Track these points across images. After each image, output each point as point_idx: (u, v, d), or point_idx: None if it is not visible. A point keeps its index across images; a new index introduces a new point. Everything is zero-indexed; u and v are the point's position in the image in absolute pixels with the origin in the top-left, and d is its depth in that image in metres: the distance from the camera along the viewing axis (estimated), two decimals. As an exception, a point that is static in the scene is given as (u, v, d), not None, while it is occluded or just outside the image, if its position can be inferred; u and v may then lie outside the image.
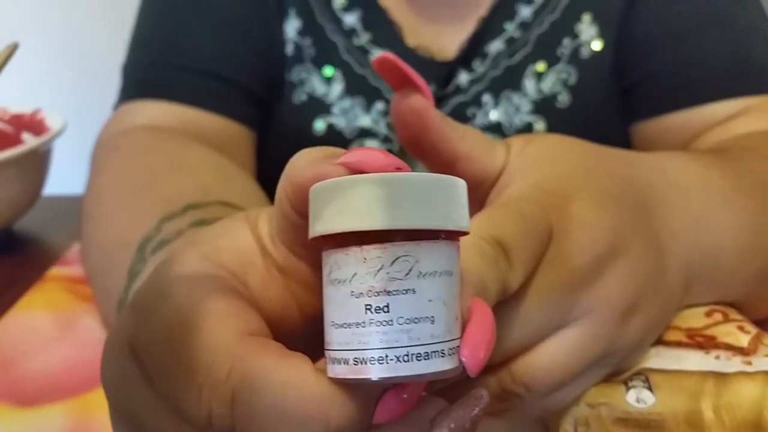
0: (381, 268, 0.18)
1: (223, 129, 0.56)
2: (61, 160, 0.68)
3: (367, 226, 0.18)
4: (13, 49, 0.62)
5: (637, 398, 0.29)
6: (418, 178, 0.19)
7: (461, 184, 0.20)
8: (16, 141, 0.61)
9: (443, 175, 0.19)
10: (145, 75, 0.57)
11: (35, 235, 0.63)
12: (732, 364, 0.30)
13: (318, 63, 0.60)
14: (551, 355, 0.27)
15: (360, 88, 0.59)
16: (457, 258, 0.20)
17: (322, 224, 0.19)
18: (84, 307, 0.49)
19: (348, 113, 0.59)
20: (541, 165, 0.29)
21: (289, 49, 0.60)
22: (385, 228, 0.18)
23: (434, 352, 0.19)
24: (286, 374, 0.19)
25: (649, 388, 0.29)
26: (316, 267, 0.23)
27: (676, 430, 0.28)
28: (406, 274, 0.18)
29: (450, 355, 0.19)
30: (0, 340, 0.46)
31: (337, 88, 0.59)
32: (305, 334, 0.24)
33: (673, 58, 0.55)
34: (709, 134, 0.52)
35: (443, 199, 0.19)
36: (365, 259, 0.18)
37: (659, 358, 0.30)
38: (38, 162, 0.60)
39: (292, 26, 0.60)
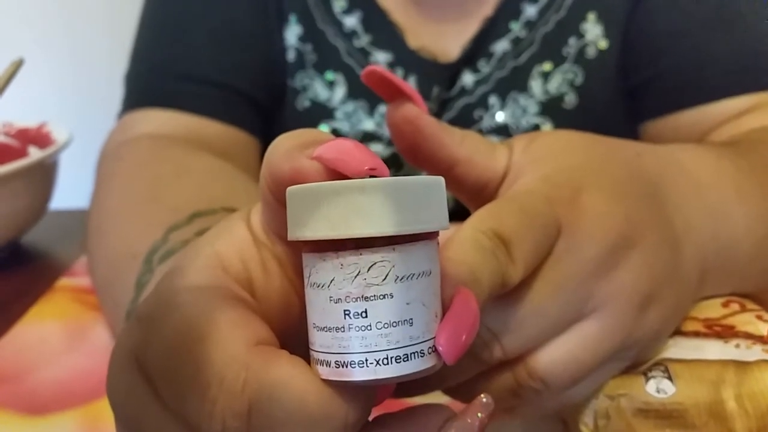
0: (358, 274, 0.19)
1: (227, 136, 0.56)
2: (68, 175, 0.68)
3: (341, 235, 0.18)
4: (18, 65, 0.63)
5: (657, 388, 0.28)
6: (391, 184, 0.19)
7: (438, 183, 0.20)
8: (22, 155, 0.61)
9: (419, 177, 0.19)
10: (148, 84, 0.57)
11: (43, 249, 0.63)
12: (752, 352, 0.29)
13: (320, 68, 0.60)
14: (568, 349, 0.26)
15: (362, 92, 0.59)
16: (436, 255, 0.20)
17: (299, 229, 0.19)
18: (93, 316, 0.49)
19: (351, 117, 0.59)
20: (548, 159, 0.29)
21: (291, 56, 0.60)
22: (359, 236, 0.18)
23: (414, 353, 0.19)
24: (303, 382, 0.19)
25: (669, 378, 0.28)
26: None
27: (699, 421, 0.28)
28: (383, 280, 0.19)
29: (430, 353, 0.19)
30: (10, 350, 0.45)
31: (340, 92, 0.59)
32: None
33: (680, 57, 0.55)
34: (719, 131, 0.51)
35: (419, 201, 0.19)
36: (342, 265, 0.19)
37: (678, 348, 0.30)
38: (45, 175, 0.60)
39: (293, 33, 0.60)
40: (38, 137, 0.64)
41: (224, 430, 0.19)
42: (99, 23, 1.14)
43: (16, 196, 0.56)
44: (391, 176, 0.19)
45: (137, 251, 0.37)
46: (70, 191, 0.69)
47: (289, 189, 0.20)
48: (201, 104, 0.56)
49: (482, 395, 0.21)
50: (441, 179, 0.20)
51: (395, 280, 0.19)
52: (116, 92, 0.61)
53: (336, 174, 0.20)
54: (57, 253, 0.62)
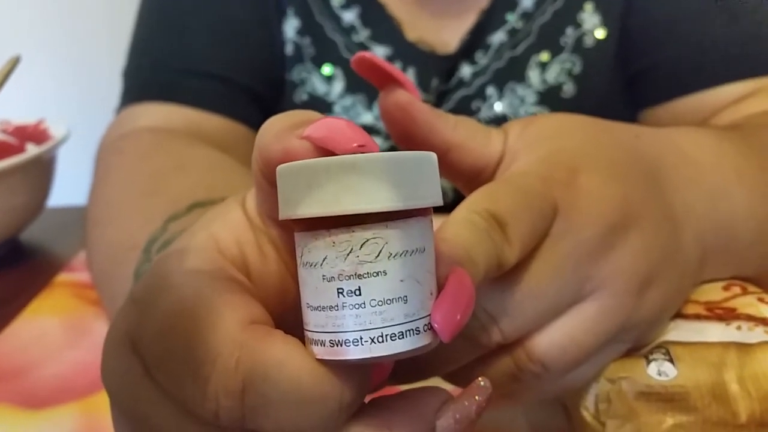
0: (350, 252, 0.18)
1: (226, 129, 0.55)
2: (66, 172, 0.68)
3: (332, 212, 0.18)
4: (15, 62, 0.63)
5: (659, 371, 0.28)
6: (382, 159, 0.18)
7: (430, 158, 0.20)
8: (20, 152, 0.61)
9: (409, 152, 0.19)
10: (147, 78, 0.57)
11: (42, 245, 0.63)
12: (754, 334, 0.29)
13: (318, 62, 0.59)
14: (567, 332, 0.26)
15: (361, 86, 0.59)
16: (430, 232, 0.20)
17: (290, 208, 0.19)
18: (92, 310, 0.49)
19: (349, 111, 0.59)
20: (545, 141, 0.29)
21: (289, 49, 0.60)
22: (350, 213, 0.18)
23: (409, 330, 0.19)
24: (298, 361, 0.19)
25: (671, 361, 0.28)
26: None
27: (701, 403, 0.27)
28: (376, 257, 0.18)
29: (425, 331, 0.19)
30: (9, 346, 0.45)
31: (338, 86, 0.59)
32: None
33: (679, 43, 0.54)
34: (719, 116, 0.51)
35: (411, 176, 0.19)
36: (334, 243, 0.18)
37: (679, 331, 0.29)
38: (43, 170, 0.60)
39: (291, 26, 0.59)
40: (36, 134, 0.64)
41: (218, 409, 0.19)
42: (98, 20, 1.14)
43: (14, 192, 0.56)
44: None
45: (136, 242, 0.37)
46: (69, 188, 0.69)
47: (279, 167, 0.20)
48: (200, 98, 0.55)
49: (480, 378, 0.21)
50: (433, 155, 0.20)
51: (388, 257, 0.18)
52: (115, 90, 0.61)
53: (326, 153, 0.19)
54: (56, 249, 0.62)
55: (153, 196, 0.42)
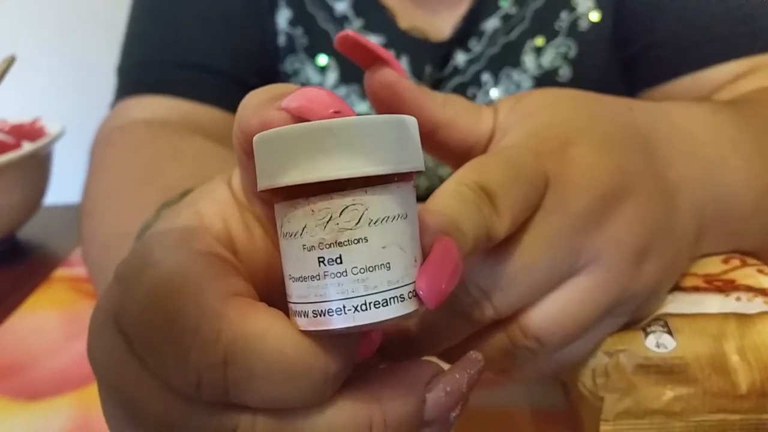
0: (330, 219, 0.18)
1: (220, 121, 0.55)
2: (63, 170, 0.68)
3: (309, 179, 0.18)
4: (10, 62, 0.63)
5: (657, 343, 0.27)
6: (359, 123, 0.18)
7: (409, 122, 0.19)
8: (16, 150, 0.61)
9: (387, 116, 0.19)
10: (141, 72, 0.57)
11: (39, 243, 0.63)
12: (754, 305, 0.29)
13: (311, 52, 0.59)
14: (561, 305, 0.26)
15: (355, 76, 0.58)
16: (413, 198, 0.19)
17: (267, 178, 0.19)
18: (90, 303, 0.49)
19: (344, 101, 0.58)
20: (536, 114, 0.28)
21: (282, 40, 0.59)
22: (326, 179, 0.18)
23: (393, 297, 0.18)
24: (281, 332, 0.19)
25: (669, 333, 0.28)
26: None
27: (701, 374, 0.27)
28: (357, 224, 0.18)
29: (410, 298, 0.19)
30: (7, 340, 0.45)
31: (332, 76, 0.59)
32: None
33: (673, 24, 0.54)
34: (716, 96, 0.51)
35: (389, 140, 0.18)
36: (313, 211, 0.18)
37: (677, 303, 0.29)
38: (38, 167, 0.59)
39: (283, 17, 0.59)
40: (32, 132, 0.64)
41: (200, 382, 0.18)
42: (95, 20, 1.14)
43: (11, 189, 0.56)
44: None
45: (130, 231, 0.37)
46: (66, 187, 0.69)
47: (255, 137, 0.19)
48: (194, 90, 0.55)
49: (471, 352, 0.21)
50: (413, 118, 0.19)
51: (369, 224, 0.18)
52: (112, 88, 0.61)
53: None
54: (53, 246, 0.61)
55: (146, 185, 0.42)
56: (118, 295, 0.21)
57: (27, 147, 0.60)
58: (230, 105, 0.56)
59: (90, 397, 0.38)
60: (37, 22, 1.15)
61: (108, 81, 0.68)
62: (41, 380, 0.40)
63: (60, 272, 0.54)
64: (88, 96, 1.02)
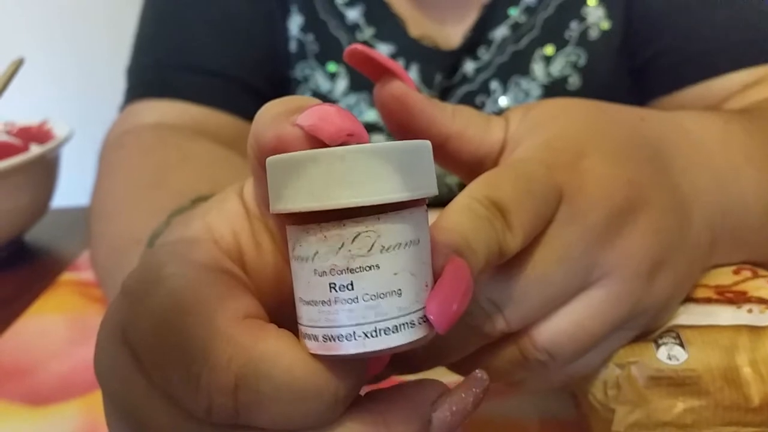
0: (342, 246, 0.18)
1: (230, 125, 0.55)
2: (70, 173, 0.68)
3: (322, 206, 0.18)
4: (18, 64, 0.63)
5: (669, 355, 0.27)
6: (373, 150, 0.18)
7: (423, 147, 0.19)
8: (24, 153, 0.61)
9: (401, 141, 0.18)
10: (151, 76, 0.57)
11: (46, 246, 0.63)
12: (766, 317, 0.28)
13: (322, 59, 0.59)
14: (574, 319, 0.25)
15: (365, 83, 0.58)
16: (425, 223, 0.19)
17: (279, 202, 0.18)
18: (97, 308, 0.49)
19: (353, 109, 0.59)
20: (547, 125, 0.28)
21: (293, 46, 0.60)
22: (339, 207, 0.17)
23: (403, 324, 0.18)
24: (292, 356, 0.18)
25: (681, 345, 0.27)
26: None
27: (713, 387, 0.27)
28: (369, 251, 0.18)
29: (420, 324, 0.18)
30: (13, 343, 0.45)
31: (342, 83, 0.59)
32: None
33: (683, 33, 0.54)
34: (725, 105, 0.51)
35: (403, 166, 0.18)
36: (325, 237, 0.18)
37: (689, 315, 0.29)
38: (46, 170, 0.60)
39: (294, 23, 0.59)
40: (40, 135, 0.64)
41: (211, 406, 0.18)
42: (100, 22, 1.14)
43: (18, 192, 0.56)
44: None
45: (140, 236, 0.37)
46: (73, 190, 0.69)
47: (269, 159, 0.19)
48: (204, 94, 0.55)
49: (477, 370, 0.21)
50: (427, 143, 0.19)
51: (381, 251, 0.18)
52: (118, 91, 0.61)
53: (319, 140, 0.19)
54: (60, 249, 0.61)
55: (156, 189, 0.42)
56: (127, 309, 0.21)
57: (35, 150, 0.60)
58: (240, 110, 0.56)
59: (97, 402, 0.38)
60: (44, 25, 1.15)
61: (113, 82, 0.68)
62: (47, 385, 0.40)
63: (67, 276, 0.54)
64: (93, 98, 1.03)
